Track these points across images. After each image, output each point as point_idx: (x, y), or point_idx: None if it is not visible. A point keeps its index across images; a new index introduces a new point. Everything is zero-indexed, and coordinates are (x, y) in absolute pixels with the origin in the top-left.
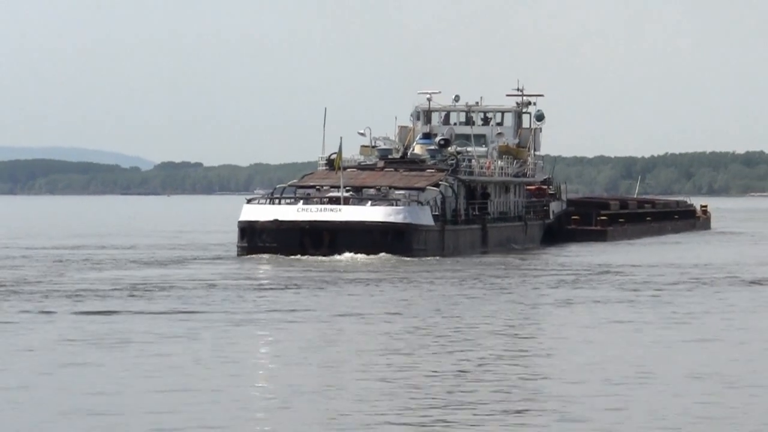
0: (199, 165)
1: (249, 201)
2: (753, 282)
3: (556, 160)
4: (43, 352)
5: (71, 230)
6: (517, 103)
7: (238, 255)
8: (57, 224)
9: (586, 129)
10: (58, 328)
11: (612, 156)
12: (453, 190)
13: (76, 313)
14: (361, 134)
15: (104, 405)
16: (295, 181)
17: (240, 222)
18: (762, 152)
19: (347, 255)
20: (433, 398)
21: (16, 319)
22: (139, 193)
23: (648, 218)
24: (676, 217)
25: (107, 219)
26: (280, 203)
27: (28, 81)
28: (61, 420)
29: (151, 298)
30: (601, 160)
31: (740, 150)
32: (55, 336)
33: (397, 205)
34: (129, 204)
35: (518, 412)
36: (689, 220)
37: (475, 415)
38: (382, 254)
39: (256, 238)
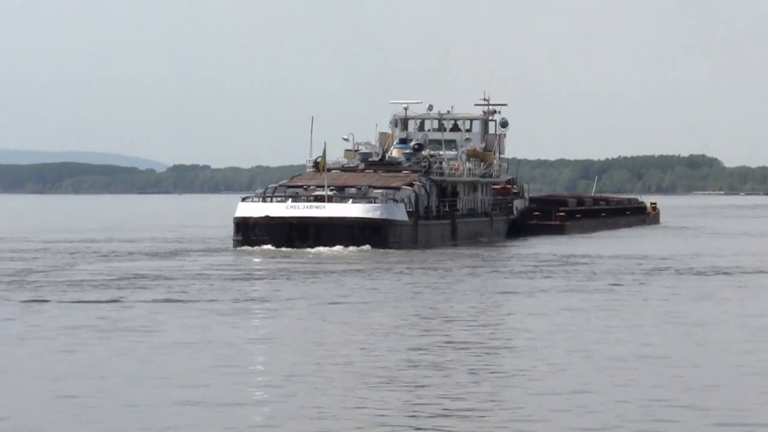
0: (207, 167)
1: (244, 199)
2: (700, 272)
3: (520, 163)
4: (44, 337)
5: (88, 225)
6: (484, 112)
7: (233, 247)
8: (76, 220)
9: (548, 134)
10: (57, 316)
11: (571, 159)
12: (425, 190)
13: (77, 301)
14: (345, 139)
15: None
16: (285, 181)
17: (235, 218)
18: (704, 156)
19: (333, 247)
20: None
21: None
22: (153, 193)
23: (603, 214)
24: (628, 213)
25: (125, 215)
26: (272, 201)
27: (55, 92)
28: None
29: (155, 284)
30: (562, 163)
31: (684, 153)
32: (55, 323)
33: (375, 203)
34: (144, 202)
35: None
36: (640, 215)
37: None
38: (362, 246)
39: (250, 233)
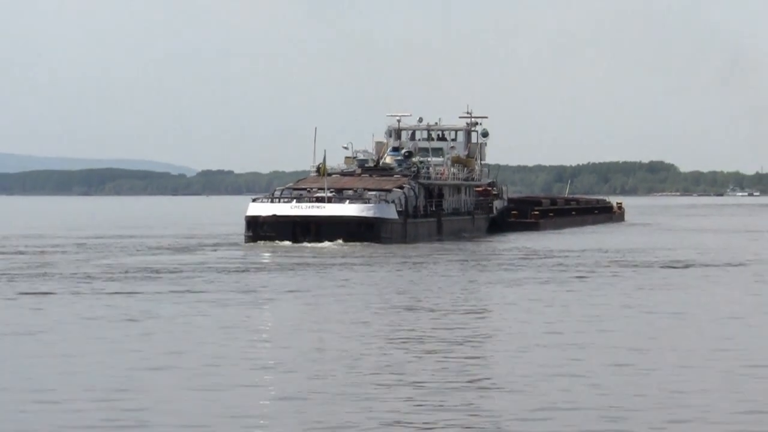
0: (231, 172)
1: (254, 200)
2: (656, 262)
3: (500, 168)
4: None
5: (122, 223)
6: (467, 123)
7: (244, 242)
8: (111, 218)
9: (527, 143)
10: (74, 307)
11: (547, 164)
12: (414, 192)
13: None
14: (345, 148)
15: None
16: (290, 184)
17: (246, 216)
18: (662, 162)
19: (331, 242)
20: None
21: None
22: (184, 194)
23: (573, 213)
24: (596, 212)
25: (159, 214)
26: (279, 201)
27: (99, 106)
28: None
29: (176, 274)
30: (539, 168)
31: (645, 160)
32: (74, 312)
33: (368, 203)
34: (176, 203)
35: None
36: (607, 214)
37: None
38: (357, 242)
39: (259, 229)
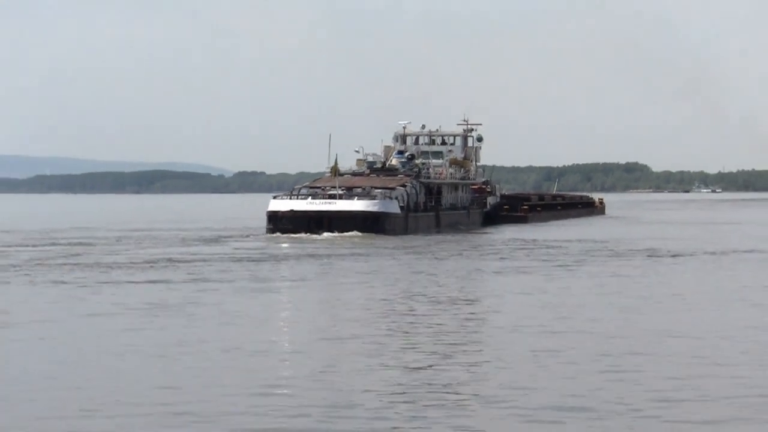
0: (263, 173)
1: (274, 197)
2: (629, 251)
3: (495, 168)
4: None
5: (164, 217)
6: (464, 129)
7: (266, 234)
8: (156, 214)
9: (520, 146)
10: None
11: (537, 165)
12: (415, 189)
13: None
14: (357, 152)
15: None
16: (307, 183)
17: (267, 212)
18: (637, 163)
19: (342, 233)
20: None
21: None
22: (223, 193)
23: (559, 207)
24: (579, 206)
25: (199, 210)
26: (297, 198)
27: (148, 116)
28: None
29: (205, 262)
30: (530, 168)
31: (622, 161)
32: (108, 301)
33: (374, 199)
34: (214, 200)
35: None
36: (589, 208)
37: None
38: (364, 233)
39: (278, 223)
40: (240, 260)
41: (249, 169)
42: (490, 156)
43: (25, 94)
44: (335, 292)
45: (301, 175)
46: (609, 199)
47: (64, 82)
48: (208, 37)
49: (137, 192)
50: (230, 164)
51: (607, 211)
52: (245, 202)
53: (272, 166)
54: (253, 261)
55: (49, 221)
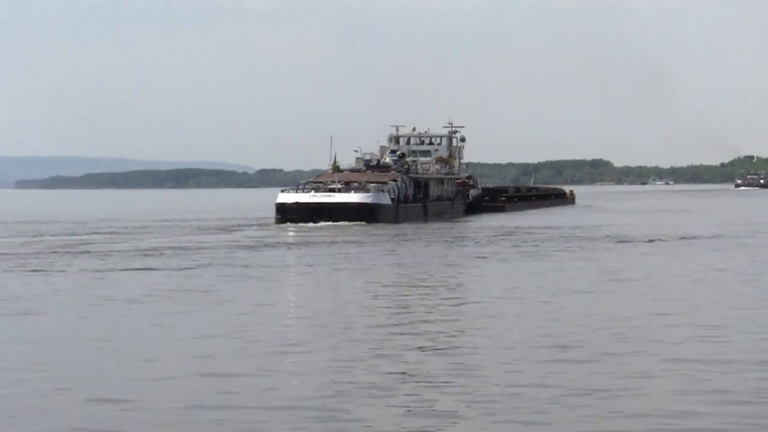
0: (281, 170)
1: (282, 191)
2: (619, 239)
3: (475, 165)
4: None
5: (186, 209)
6: (449, 131)
7: (275, 223)
8: (182, 206)
9: (501, 145)
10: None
11: (516, 162)
12: (405, 183)
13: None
14: (355, 151)
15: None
16: (311, 178)
17: (276, 203)
18: (601, 159)
19: (340, 222)
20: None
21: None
22: (246, 188)
23: (533, 198)
24: (552, 197)
25: (225, 203)
26: (304, 191)
27: (183, 120)
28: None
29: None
30: (510, 165)
31: (588, 158)
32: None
33: (368, 192)
34: (239, 195)
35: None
36: (561, 199)
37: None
38: (359, 222)
39: (286, 213)
40: (252, 247)
41: (269, 167)
42: (475, 154)
43: (79, 101)
44: (331, 273)
45: (314, 172)
46: (578, 190)
47: (112, 91)
48: (237, 51)
49: (174, 187)
50: (253, 162)
51: (576, 201)
52: (265, 196)
53: (289, 163)
54: (262, 248)
55: (86, 213)
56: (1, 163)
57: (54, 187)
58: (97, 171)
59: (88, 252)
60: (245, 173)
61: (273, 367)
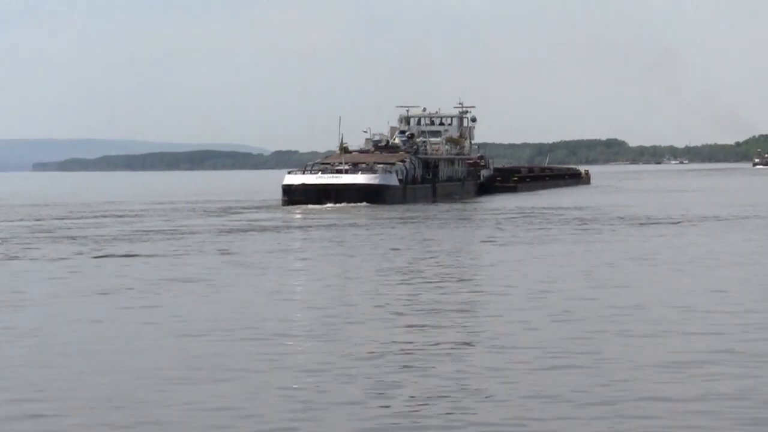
0: (296, 152)
1: (289, 172)
2: (630, 220)
3: (486, 145)
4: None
5: (200, 191)
6: (460, 111)
7: (282, 205)
8: (197, 188)
9: (515, 125)
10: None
11: (530, 142)
12: (414, 164)
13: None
14: (365, 132)
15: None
16: (318, 160)
17: (283, 185)
18: (615, 139)
19: (347, 203)
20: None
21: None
22: (262, 169)
23: (547, 178)
24: (567, 177)
25: (240, 184)
26: (311, 173)
27: (199, 104)
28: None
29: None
30: (524, 145)
31: (603, 138)
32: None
33: (376, 174)
34: (255, 176)
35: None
36: (576, 179)
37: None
38: (367, 203)
39: (292, 195)
40: (261, 229)
41: (284, 149)
42: (489, 134)
43: (96, 84)
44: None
45: (329, 153)
46: (592, 170)
47: (129, 74)
48: (252, 33)
49: (189, 169)
50: (269, 144)
51: (592, 181)
52: (280, 178)
53: (305, 145)
54: (269, 229)
55: (95, 196)
56: (18, 145)
57: (71, 170)
58: (113, 153)
59: (72, 237)
60: (260, 155)
61: (274, 356)
